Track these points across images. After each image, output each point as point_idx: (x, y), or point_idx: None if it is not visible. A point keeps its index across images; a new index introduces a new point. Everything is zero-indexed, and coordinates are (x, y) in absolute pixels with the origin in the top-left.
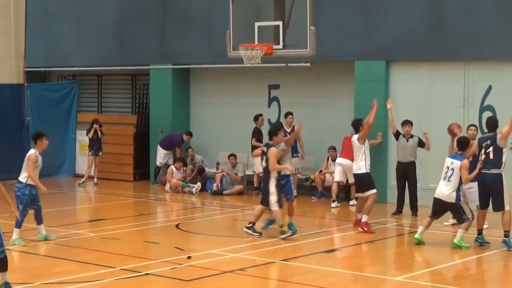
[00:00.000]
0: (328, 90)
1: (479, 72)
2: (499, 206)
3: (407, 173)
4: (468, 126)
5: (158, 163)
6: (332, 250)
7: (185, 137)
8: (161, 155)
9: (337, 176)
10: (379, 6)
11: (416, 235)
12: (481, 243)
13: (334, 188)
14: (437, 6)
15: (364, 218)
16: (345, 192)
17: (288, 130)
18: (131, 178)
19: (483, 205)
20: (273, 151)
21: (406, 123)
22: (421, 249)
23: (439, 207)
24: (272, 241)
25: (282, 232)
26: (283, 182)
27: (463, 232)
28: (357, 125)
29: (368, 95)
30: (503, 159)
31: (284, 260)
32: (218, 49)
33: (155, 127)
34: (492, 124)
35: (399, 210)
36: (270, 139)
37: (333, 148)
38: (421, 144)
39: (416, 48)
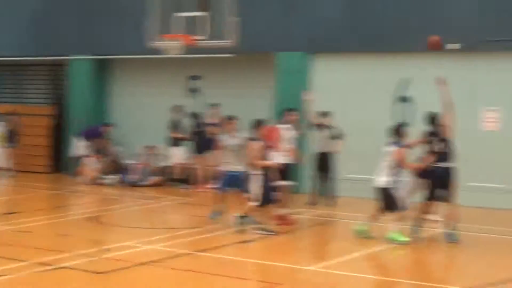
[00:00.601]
0: (250, 81)
1: (398, 64)
2: (449, 197)
3: (326, 163)
4: None
5: (75, 154)
6: (247, 241)
7: (104, 129)
8: (79, 146)
9: None
10: None
11: (358, 226)
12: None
13: None
14: None
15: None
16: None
17: (214, 121)
18: (48, 169)
19: (431, 198)
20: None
21: (326, 114)
22: (338, 239)
23: (377, 195)
24: (188, 232)
25: (261, 228)
26: (236, 176)
27: (398, 224)
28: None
29: (289, 85)
30: (453, 151)
31: (200, 251)
32: (138, 40)
33: (73, 118)
34: (434, 119)
35: (316, 200)
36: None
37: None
38: (339, 136)
39: (337, 40)
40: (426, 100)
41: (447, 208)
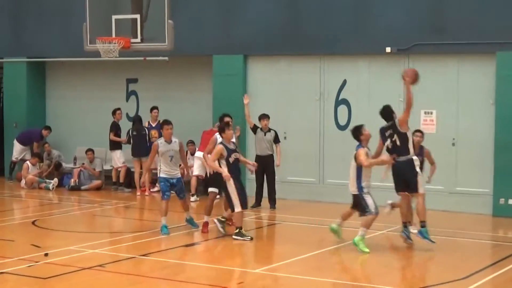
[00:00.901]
0: (187, 84)
1: (334, 67)
2: (414, 188)
3: (265, 166)
4: (414, 132)
5: (13, 158)
6: (192, 244)
7: (44, 132)
8: (17, 150)
9: (196, 170)
10: (237, 1)
11: (332, 225)
12: (407, 236)
13: (193, 182)
14: (294, 1)
15: (205, 219)
16: (204, 185)
17: (153, 125)
18: None
19: (399, 191)
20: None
21: (264, 117)
22: (281, 242)
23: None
24: (131, 236)
25: (239, 234)
26: (174, 181)
27: (364, 230)
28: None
29: (226, 89)
30: (410, 144)
31: (143, 255)
32: (74, 42)
33: (9, 121)
34: (388, 113)
35: (257, 203)
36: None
37: (191, 142)
38: (276, 140)
39: (274, 42)
40: (359, 102)
41: (416, 203)
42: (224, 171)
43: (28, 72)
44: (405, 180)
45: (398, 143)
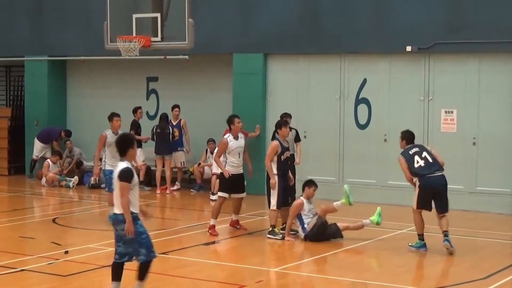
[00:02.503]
0: (207, 82)
1: (354, 65)
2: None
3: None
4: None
5: (34, 156)
6: (211, 243)
7: (62, 134)
8: (37, 148)
9: (215, 168)
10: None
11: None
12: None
13: (213, 181)
14: (313, 0)
15: (212, 222)
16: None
17: (174, 123)
18: (6, 172)
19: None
20: (272, 144)
21: (284, 116)
22: (301, 240)
23: None
24: (151, 234)
25: (272, 232)
26: None
27: None
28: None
29: (246, 87)
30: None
31: (163, 253)
32: (95, 41)
33: (30, 120)
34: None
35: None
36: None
37: (212, 141)
38: (297, 139)
39: (294, 41)
40: (380, 101)
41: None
42: (274, 178)
43: (49, 71)
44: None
45: (430, 160)
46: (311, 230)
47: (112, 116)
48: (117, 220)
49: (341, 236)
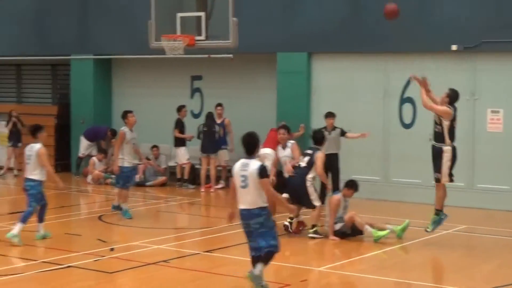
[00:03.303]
0: (251, 81)
1: (399, 64)
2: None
3: (330, 164)
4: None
5: (80, 154)
6: None
7: (109, 133)
8: (83, 146)
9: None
10: None
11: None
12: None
13: None
14: None
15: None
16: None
17: (218, 122)
18: (52, 169)
19: None
20: (320, 155)
21: (329, 115)
22: (346, 240)
23: None
24: (195, 232)
25: (316, 232)
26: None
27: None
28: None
29: (290, 86)
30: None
31: (207, 251)
32: (140, 40)
33: (76, 118)
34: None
35: (322, 201)
36: (317, 143)
37: None
38: (342, 133)
39: (338, 40)
40: None
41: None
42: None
43: (95, 70)
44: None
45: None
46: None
47: (126, 113)
48: (250, 215)
49: (361, 234)
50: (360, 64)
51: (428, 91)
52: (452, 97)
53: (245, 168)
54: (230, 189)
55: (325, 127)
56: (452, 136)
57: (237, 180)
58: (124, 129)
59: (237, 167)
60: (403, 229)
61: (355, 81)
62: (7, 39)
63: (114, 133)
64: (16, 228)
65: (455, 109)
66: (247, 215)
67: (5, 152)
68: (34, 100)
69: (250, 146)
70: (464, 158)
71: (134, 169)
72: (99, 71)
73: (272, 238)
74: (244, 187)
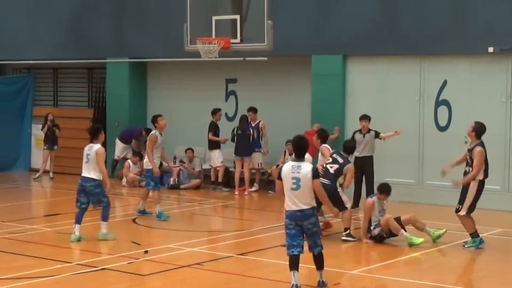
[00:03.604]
0: (285, 84)
1: (434, 67)
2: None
3: (364, 167)
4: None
5: (115, 157)
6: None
7: (143, 133)
8: (119, 149)
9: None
10: (336, 1)
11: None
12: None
13: None
14: (392, 1)
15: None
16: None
17: (253, 124)
18: (106, 171)
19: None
20: (351, 167)
21: (364, 117)
22: (380, 243)
23: None
24: (229, 235)
25: (349, 235)
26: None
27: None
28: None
29: (325, 89)
30: None
31: (241, 254)
32: (175, 43)
33: (111, 121)
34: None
35: (356, 204)
36: (347, 152)
37: (290, 142)
38: (376, 135)
39: (373, 42)
40: (460, 103)
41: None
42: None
43: (130, 73)
44: None
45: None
46: (371, 237)
47: (156, 117)
48: (305, 216)
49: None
50: (395, 66)
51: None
52: (478, 130)
53: (298, 170)
54: (277, 191)
55: (359, 130)
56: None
57: (288, 182)
58: (155, 132)
59: (287, 169)
60: (439, 236)
61: (390, 83)
62: (44, 43)
63: (148, 132)
64: (103, 227)
65: (482, 145)
66: (301, 216)
67: (41, 154)
68: (70, 103)
69: (302, 149)
70: (500, 161)
71: (164, 172)
72: (134, 74)
73: (319, 237)
74: (295, 189)
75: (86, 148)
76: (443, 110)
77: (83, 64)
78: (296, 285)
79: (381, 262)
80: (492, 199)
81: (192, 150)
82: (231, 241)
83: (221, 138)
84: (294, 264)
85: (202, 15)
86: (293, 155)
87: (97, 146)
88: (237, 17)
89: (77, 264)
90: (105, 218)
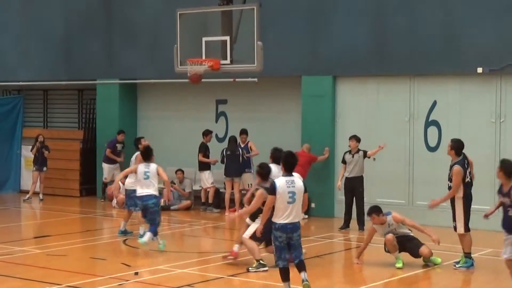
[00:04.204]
0: (276, 105)
1: (424, 87)
2: None
3: (354, 187)
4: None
5: (103, 179)
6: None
7: (118, 137)
8: (106, 171)
9: None
10: (326, 22)
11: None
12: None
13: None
14: (382, 22)
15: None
16: None
17: (243, 146)
18: (78, 193)
19: None
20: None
21: (352, 138)
22: (369, 264)
23: None
24: (219, 256)
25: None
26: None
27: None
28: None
29: (315, 110)
30: None
31: (232, 275)
32: (165, 64)
33: (102, 142)
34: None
35: (346, 225)
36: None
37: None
38: (364, 154)
39: (363, 63)
40: (450, 123)
41: None
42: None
43: (120, 94)
44: None
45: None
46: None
47: (139, 139)
48: (295, 228)
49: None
50: (384, 87)
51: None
52: (457, 147)
53: (293, 184)
54: (267, 206)
55: (349, 150)
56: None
57: (284, 196)
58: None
59: (283, 184)
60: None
61: (380, 104)
62: (34, 65)
63: (121, 132)
64: (148, 236)
65: (463, 161)
66: (292, 228)
67: (31, 176)
68: (60, 124)
69: (293, 165)
70: (490, 181)
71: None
72: (124, 95)
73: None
74: (291, 202)
75: (143, 167)
76: (433, 131)
77: (73, 86)
78: None
79: (373, 283)
80: (481, 220)
81: (182, 171)
82: (221, 263)
83: (211, 160)
84: (286, 275)
85: (192, 37)
86: (283, 170)
87: (154, 165)
88: (227, 38)
89: (67, 286)
90: (153, 233)
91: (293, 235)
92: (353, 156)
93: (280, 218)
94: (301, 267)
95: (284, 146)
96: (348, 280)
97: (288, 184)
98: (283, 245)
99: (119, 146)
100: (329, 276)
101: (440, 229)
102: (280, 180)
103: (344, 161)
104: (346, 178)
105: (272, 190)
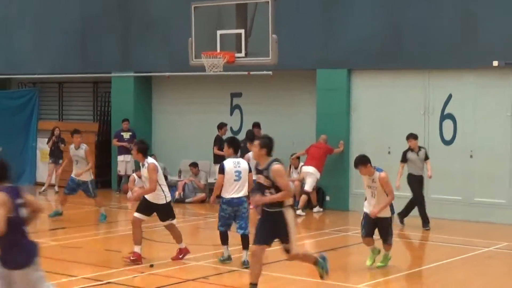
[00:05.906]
0: (290, 98)
1: (439, 81)
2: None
3: (417, 185)
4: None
5: (118, 171)
6: None
7: (123, 125)
8: (118, 163)
9: (309, 185)
10: (341, 15)
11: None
12: None
13: (304, 197)
14: (397, 15)
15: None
16: (306, 200)
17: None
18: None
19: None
20: None
21: (410, 137)
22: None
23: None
24: (234, 248)
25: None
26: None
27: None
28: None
29: (330, 103)
30: None
31: (247, 268)
32: (180, 57)
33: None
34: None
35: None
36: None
37: (295, 156)
38: (426, 157)
39: (377, 57)
40: (465, 117)
41: None
42: None
43: (135, 87)
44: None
45: None
46: None
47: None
48: (241, 201)
49: None
50: (400, 81)
51: None
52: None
53: (238, 165)
54: (218, 182)
55: (410, 149)
56: None
57: (230, 175)
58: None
59: (230, 164)
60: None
61: (395, 97)
62: (50, 58)
63: (126, 121)
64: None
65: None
66: (238, 202)
67: (46, 168)
68: (75, 117)
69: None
70: (505, 175)
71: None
72: (139, 88)
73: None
74: (237, 180)
75: (232, 165)
76: (448, 124)
77: (88, 79)
78: None
79: (388, 276)
80: (498, 213)
81: (197, 164)
82: (236, 255)
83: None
84: (225, 239)
85: (207, 30)
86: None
87: (243, 161)
88: (242, 31)
89: (83, 277)
90: (246, 246)
91: (239, 208)
92: (417, 154)
93: (227, 193)
94: (244, 243)
95: (298, 139)
96: (363, 274)
97: (235, 164)
98: (228, 216)
99: (125, 135)
100: (344, 269)
101: (454, 222)
102: (228, 161)
103: (404, 160)
104: (412, 175)
105: (221, 170)
